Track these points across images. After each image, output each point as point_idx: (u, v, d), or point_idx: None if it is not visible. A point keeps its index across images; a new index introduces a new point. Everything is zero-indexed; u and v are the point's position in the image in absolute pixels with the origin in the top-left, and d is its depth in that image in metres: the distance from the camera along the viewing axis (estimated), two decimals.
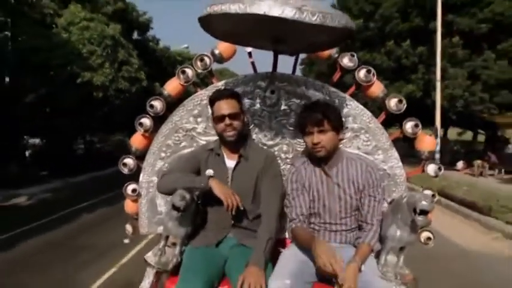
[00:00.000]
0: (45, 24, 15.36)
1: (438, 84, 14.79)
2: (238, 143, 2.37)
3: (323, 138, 2.10)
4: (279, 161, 2.59)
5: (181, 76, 2.62)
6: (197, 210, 2.41)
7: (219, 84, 2.67)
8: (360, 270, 1.99)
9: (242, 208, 2.20)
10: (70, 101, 15.39)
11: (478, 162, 16.27)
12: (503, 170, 16.42)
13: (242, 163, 2.36)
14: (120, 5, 18.85)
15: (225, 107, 2.28)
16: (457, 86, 16.19)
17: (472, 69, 16.45)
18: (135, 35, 21.56)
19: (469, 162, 15.57)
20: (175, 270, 2.27)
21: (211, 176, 2.26)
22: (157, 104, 2.60)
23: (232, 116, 2.28)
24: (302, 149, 2.62)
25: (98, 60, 15.68)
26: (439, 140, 13.53)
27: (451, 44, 16.14)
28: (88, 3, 16.92)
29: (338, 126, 2.17)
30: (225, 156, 2.40)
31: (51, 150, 19.25)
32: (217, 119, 2.30)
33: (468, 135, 23.62)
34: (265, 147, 2.61)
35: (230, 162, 2.38)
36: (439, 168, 2.62)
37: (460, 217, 8.44)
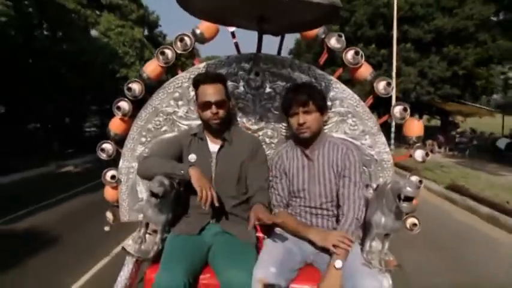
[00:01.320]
0: (87, 30, 14.82)
1: (393, 80, 15.22)
2: (222, 127, 1.75)
3: (308, 119, 1.66)
4: (264, 146, 1.92)
5: (161, 57, 1.89)
6: (178, 197, 1.79)
7: (201, 66, 1.95)
8: (335, 267, 1.49)
9: (217, 204, 1.60)
10: (109, 91, 14.97)
11: (429, 141, 16.13)
12: (447, 148, 16.53)
13: (226, 147, 1.77)
14: (141, 12, 18.13)
15: (211, 92, 1.69)
16: (409, 82, 16.48)
17: (421, 69, 16.74)
18: (145, 32, 20.06)
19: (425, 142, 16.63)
20: (156, 258, 1.67)
21: (192, 164, 1.68)
22: (136, 87, 1.89)
23: (218, 104, 1.70)
24: (287, 134, 1.95)
25: (131, 59, 15.39)
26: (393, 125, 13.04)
27: (405, 48, 16.42)
28: (118, 11, 16.24)
29: (322, 108, 1.72)
30: (208, 140, 1.79)
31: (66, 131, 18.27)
32: (203, 105, 1.71)
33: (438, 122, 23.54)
34: (249, 132, 1.95)
35: (214, 146, 1.78)
36: (426, 154, 1.99)
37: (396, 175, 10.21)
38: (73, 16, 13.47)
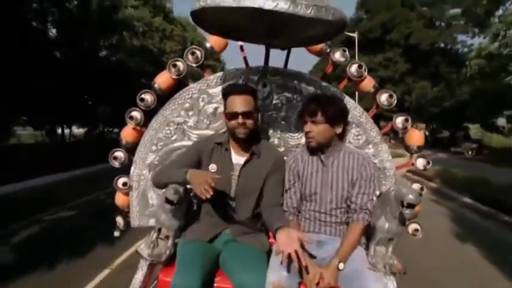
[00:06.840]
0: None
1: (356, 99, 24.86)
2: (249, 139, 1.79)
3: (314, 129, 1.72)
4: None
5: (173, 69, 2.02)
6: (190, 203, 1.90)
7: (211, 78, 2.08)
8: (338, 269, 1.60)
9: (217, 189, 1.63)
10: None
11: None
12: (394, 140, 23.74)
13: (253, 161, 1.79)
14: (222, 65, 29.12)
15: (239, 103, 1.71)
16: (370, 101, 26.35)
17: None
18: None
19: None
20: (168, 262, 1.79)
21: (187, 171, 1.69)
22: (148, 98, 2.02)
23: (245, 115, 1.71)
24: (293, 143, 2.08)
25: None
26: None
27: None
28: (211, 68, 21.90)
29: (333, 120, 1.73)
30: (232, 151, 1.81)
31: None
32: (230, 115, 1.73)
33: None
34: (275, 147, 2.02)
35: (238, 158, 1.80)
36: (428, 162, 2.10)
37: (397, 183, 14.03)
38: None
